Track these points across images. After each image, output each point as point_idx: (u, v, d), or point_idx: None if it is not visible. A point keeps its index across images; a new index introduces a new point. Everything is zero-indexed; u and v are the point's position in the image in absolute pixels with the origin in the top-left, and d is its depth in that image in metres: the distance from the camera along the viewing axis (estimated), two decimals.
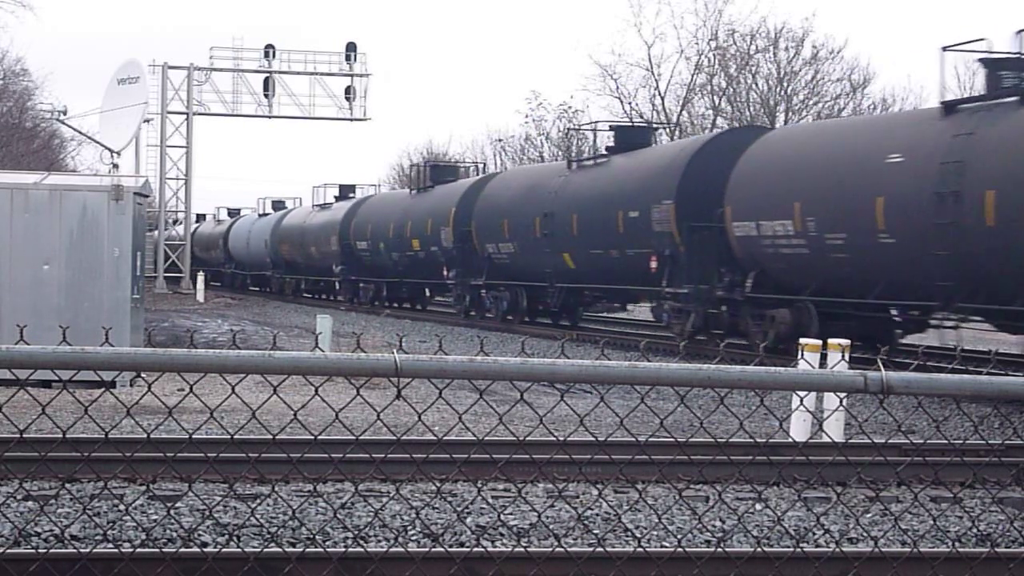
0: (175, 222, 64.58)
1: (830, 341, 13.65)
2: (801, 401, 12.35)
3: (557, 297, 31.21)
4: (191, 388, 4.10)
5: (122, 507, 8.29)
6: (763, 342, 21.87)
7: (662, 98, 61.43)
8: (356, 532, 7.76)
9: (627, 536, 7.99)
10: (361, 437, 8.18)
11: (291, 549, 6.96)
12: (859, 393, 3.99)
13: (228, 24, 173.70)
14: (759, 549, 6.54)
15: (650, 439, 9.42)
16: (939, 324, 20.64)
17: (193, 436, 5.53)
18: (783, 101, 58.47)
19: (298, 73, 59.18)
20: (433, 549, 6.96)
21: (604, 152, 30.91)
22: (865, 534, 8.19)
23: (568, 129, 48.30)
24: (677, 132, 48.53)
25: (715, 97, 60.65)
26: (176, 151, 58.90)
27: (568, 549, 6.42)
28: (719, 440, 10.04)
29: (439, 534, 7.87)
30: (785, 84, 58.69)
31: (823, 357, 13.29)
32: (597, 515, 8.58)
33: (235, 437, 5.04)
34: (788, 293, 21.90)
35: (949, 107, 19.09)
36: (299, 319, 37.94)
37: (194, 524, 7.91)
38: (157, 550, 7.04)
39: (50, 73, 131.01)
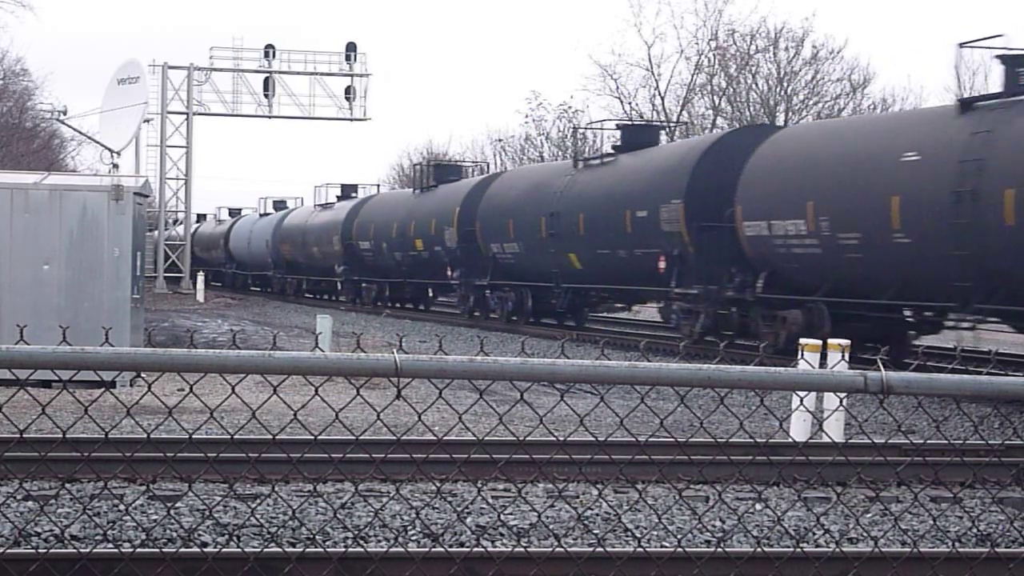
0: (175, 222, 64.59)
1: (830, 341, 13.64)
2: (801, 401, 12.34)
3: (563, 298, 30.90)
4: (191, 388, 4.10)
5: (122, 507, 8.29)
6: (774, 343, 21.63)
7: (662, 98, 61.49)
8: (356, 532, 7.76)
9: (627, 536, 7.99)
10: (361, 437, 8.18)
11: (291, 549, 6.96)
12: (859, 393, 3.99)
13: (228, 24, 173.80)
14: (759, 549, 6.54)
15: (650, 439, 9.41)
16: (954, 325, 20.43)
17: (193, 436, 5.53)
18: (783, 101, 58.48)
19: (298, 73, 59.21)
20: (433, 549, 6.96)
21: (611, 151, 30.58)
22: (865, 534, 8.19)
23: (575, 128, 48.14)
24: (677, 132, 48.47)
25: (715, 97, 60.67)
26: (176, 151, 58.95)
27: (568, 549, 6.42)
28: (719, 440, 10.04)
29: (439, 534, 7.87)
30: (785, 84, 58.70)
31: (823, 357, 13.29)
32: (597, 515, 8.58)
33: (235, 437, 5.04)
34: (800, 294, 21.58)
35: (966, 104, 18.76)
36: (299, 319, 37.93)
37: (194, 524, 7.91)
38: (157, 550, 7.04)
39: (50, 73, 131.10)
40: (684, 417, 15.08)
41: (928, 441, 11.72)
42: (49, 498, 8.58)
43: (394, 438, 9.88)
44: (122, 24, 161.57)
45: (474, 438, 9.76)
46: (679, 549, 6.32)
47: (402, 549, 6.87)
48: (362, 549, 6.76)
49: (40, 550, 6.99)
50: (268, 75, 58.56)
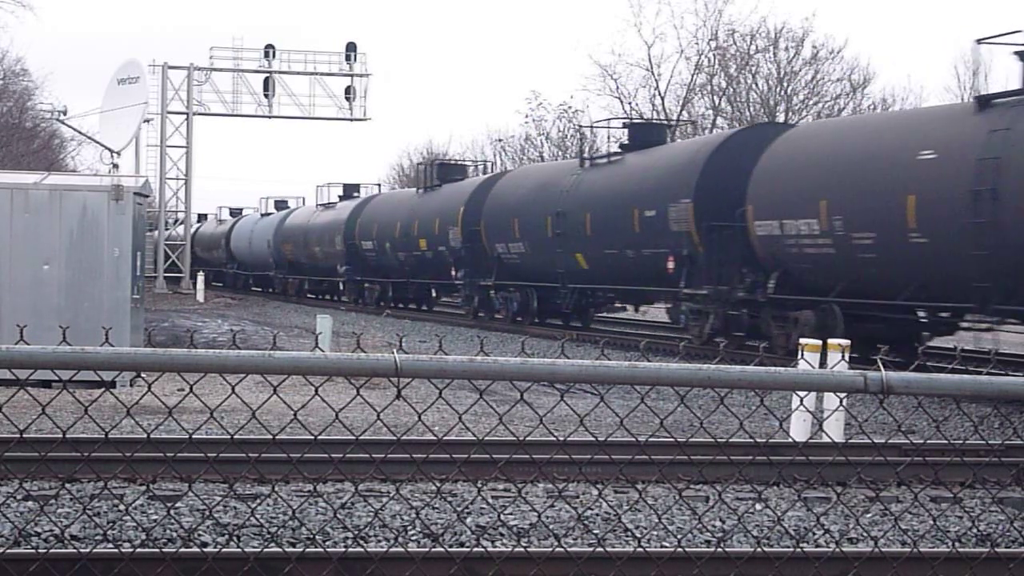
0: (176, 222, 64.57)
1: (830, 341, 13.63)
2: (801, 401, 12.34)
3: (569, 298, 30.61)
4: (191, 388, 4.10)
5: (122, 507, 8.29)
6: (786, 345, 21.43)
7: (662, 98, 61.50)
8: (356, 532, 7.76)
9: (627, 536, 7.99)
10: (361, 437, 8.18)
11: (291, 549, 6.96)
12: (859, 393, 3.99)
13: (228, 24, 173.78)
14: (759, 549, 6.54)
15: (650, 439, 9.42)
16: (970, 326, 20.21)
17: (193, 436, 5.53)
18: (783, 101, 58.50)
19: (298, 73, 59.23)
20: (433, 549, 6.96)
21: (618, 150, 30.25)
22: (865, 534, 8.19)
23: (580, 127, 48.02)
24: (678, 132, 48.45)
25: (715, 97, 60.70)
26: (176, 151, 58.97)
27: (568, 549, 6.42)
28: (719, 440, 10.04)
29: (439, 534, 7.87)
30: (785, 84, 58.72)
31: (823, 357, 13.28)
32: (597, 515, 8.58)
33: (235, 437, 5.03)
34: (812, 294, 21.25)
35: (983, 102, 18.44)
36: (299, 319, 37.92)
37: (194, 524, 7.91)
38: (157, 550, 7.04)
39: (50, 73, 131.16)
40: (684, 417, 15.08)
41: (928, 441, 11.72)
42: (49, 498, 8.58)
43: (394, 438, 9.88)
44: (122, 24, 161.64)
45: (474, 438, 9.77)
46: (679, 549, 6.32)
47: (402, 549, 6.87)
48: (362, 549, 6.76)
49: (40, 550, 6.99)
50: (268, 75, 58.58)
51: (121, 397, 13.12)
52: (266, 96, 58.65)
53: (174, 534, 7.65)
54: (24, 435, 8.77)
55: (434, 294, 43.74)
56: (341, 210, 48.24)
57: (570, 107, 66.65)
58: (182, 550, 6.91)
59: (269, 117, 59.60)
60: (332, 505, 8.58)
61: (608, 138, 33.84)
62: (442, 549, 6.94)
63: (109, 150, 44.88)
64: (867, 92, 59.33)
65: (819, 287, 21.20)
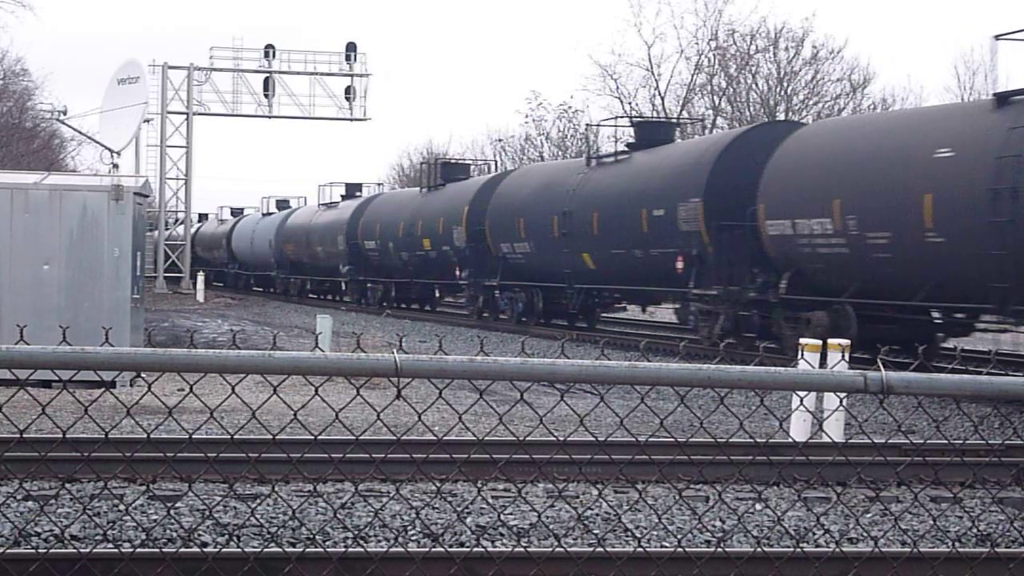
0: (176, 222, 64.54)
1: (830, 341, 13.62)
2: (801, 401, 12.34)
3: (576, 298, 30.27)
4: (191, 388, 4.10)
5: (122, 507, 8.29)
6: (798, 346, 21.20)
7: (662, 98, 61.50)
8: (356, 532, 7.76)
9: (627, 536, 7.99)
10: (361, 437, 8.18)
11: (291, 549, 6.96)
12: (859, 393, 3.99)
13: (228, 24, 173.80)
14: (759, 549, 6.54)
15: (650, 439, 9.41)
16: (986, 327, 19.99)
17: (193, 436, 5.53)
18: (783, 101, 58.49)
19: (298, 73, 59.25)
20: (433, 549, 6.96)
21: (625, 148, 29.86)
22: (865, 534, 8.19)
23: (587, 125, 47.86)
24: (679, 132, 48.35)
25: (715, 97, 60.70)
26: (176, 151, 58.97)
27: (568, 549, 6.42)
28: (719, 440, 10.04)
29: (439, 534, 7.87)
30: (785, 84, 58.72)
31: (823, 357, 13.28)
32: (597, 515, 8.58)
33: (235, 437, 5.04)
34: (825, 295, 20.92)
35: (1002, 99, 18.08)
36: (299, 319, 37.92)
37: (194, 524, 7.91)
38: (157, 550, 7.04)
39: (50, 73, 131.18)
40: (684, 417, 15.08)
41: (928, 441, 11.72)
42: (49, 498, 8.58)
43: (394, 438, 9.88)
44: (122, 24, 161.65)
45: (474, 438, 9.77)
46: (679, 549, 6.32)
47: (402, 549, 6.87)
48: (362, 549, 6.76)
49: (40, 550, 6.99)
50: (268, 75, 58.59)
51: (121, 397, 13.12)
52: (266, 96, 58.68)
53: (174, 534, 7.65)
54: (24, 435, 8.77)
55: (437, 294, 43.49)
56: (343, 210, 47.99)
57: (570, 107, 66.74)
58: (182, 550, 6.91)
59: (269, 117, 59.63)
60: (332, 505, 8.58)
61: (612, 137, 33.61)
62: (442, 549, 6.94)
63: (109, 150, 44.88)
64: (867, 92, 59.37)
65: (832, 287, 20.90)
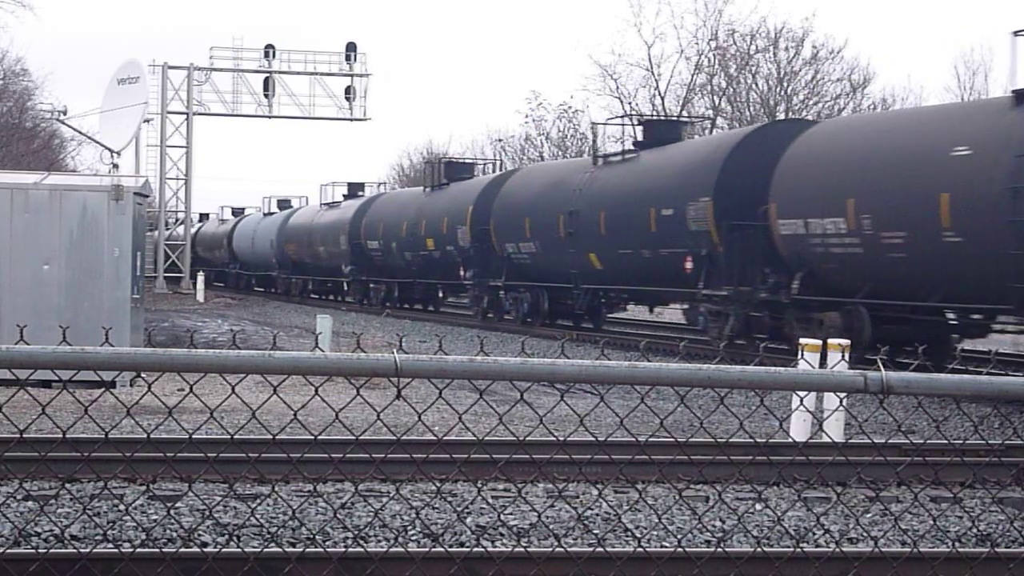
0: (176, 222, 64.51)
1: (830, 341, 13.62)
2: (801, 401, 12.34)
3: (582, 299, 29.96)
4: (191, 388, 4.10)
5: (122, 507, 8.29)
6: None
7: (662, 98, 61.50)
8: (356, 532, 7.76)
9: (627, 536, 7.99)
10: (361, 437, 8.17)
11: (291, 549, 6.96)
12: (859, 393, 3.99)
13: (228, 24, 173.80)
14: (759, 549, 6.54)
15: (650, 439, 9.41)
16: (1002, 328, 19.80)
17: (193, 436, 5.53)
18: (783, 101, 58.50)
19: (298, 73, 59.25)
20: (433, 549, 6.96)
21: (632, 147, 29.42)
22: (865, 534, 8.19)
23: (593, 124, 47.70)
24: (693, 128, 48.30)
25: (715, 97, 60.70)
26: (176, 151, 58.98)
27: (568, 549, 6.42)
28: (719, 440, 10.04)
29: (439, 534, 7.87)
30: (785, 84, 58.72)
31: (823, 357, 13.28)
32: (597, 515, 8.58)
33: (235, 437, 5.04)
34: (838, 295, 20.58)
35: (1021, 96, 17.64)
36: (299, 319, 37.91)
37: (194, 524, 7.91)
38: (157, 550, 7.04)
39: (50, 73, 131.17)
40: (684, 417, 15.08)
41: (928, 441, 11.72)
42: (49, 498, 8.59)
43: (394, 438, 9.88)
44: (122, 24, 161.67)
45: (474, 438, 9.77)
46: (679, 549, 6.32)
47: (402, 549, 6.87)
48: (362, 549, 6.76)
49: (40, 550, 6.99)
50: (268, 75, 58.60)
51: (121, 397, 13.13)
52: (266, 96, 58.68)
53: (174, 534, 7.65)
54: (24, 435, 8.77)
55: (441, 295, 43.19)
56: (346, 209, 47.71)
57: (570, 107, 66.75)
58: (182, 550, 6.91)
59: (269, 117, 59.63)
60: (332, 505, 8.59)
61: (615, 137, 33.38)
62: (442, 549, 6.94)
63: (109, 150, 44.88)
64: (867, 92, 59.39)
65: (845, 288, 20.57)
